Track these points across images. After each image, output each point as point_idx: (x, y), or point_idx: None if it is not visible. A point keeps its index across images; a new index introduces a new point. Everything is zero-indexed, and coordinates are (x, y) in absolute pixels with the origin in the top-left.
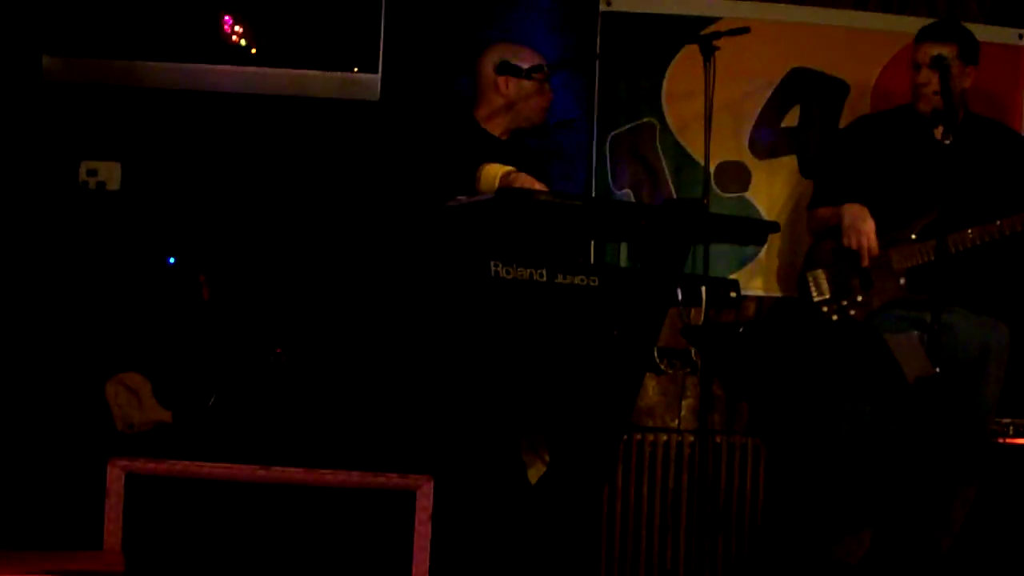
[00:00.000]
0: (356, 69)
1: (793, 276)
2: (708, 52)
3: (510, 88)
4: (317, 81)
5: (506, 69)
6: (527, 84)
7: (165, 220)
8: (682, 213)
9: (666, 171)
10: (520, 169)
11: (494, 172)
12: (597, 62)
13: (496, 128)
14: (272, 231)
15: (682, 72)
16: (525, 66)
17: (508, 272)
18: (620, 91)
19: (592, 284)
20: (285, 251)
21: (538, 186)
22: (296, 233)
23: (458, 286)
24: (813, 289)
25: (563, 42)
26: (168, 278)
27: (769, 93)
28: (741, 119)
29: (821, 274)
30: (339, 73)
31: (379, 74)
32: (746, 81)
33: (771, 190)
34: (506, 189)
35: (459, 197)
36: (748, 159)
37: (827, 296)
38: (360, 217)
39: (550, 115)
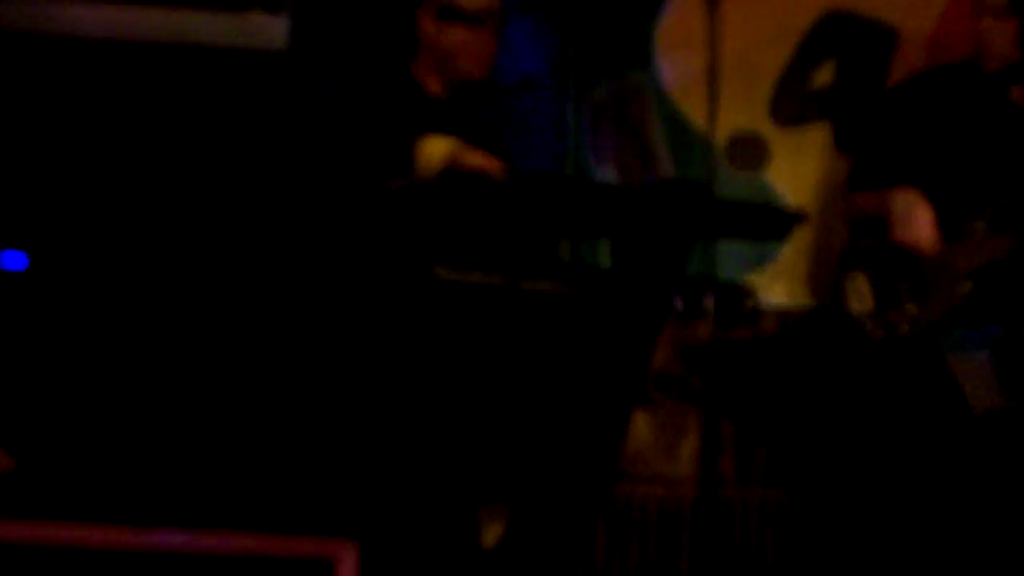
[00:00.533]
0: (257, 9)
1: (826, 280)
2: None
3: (452, 35)
4: (205, 25)
5: (449, 14)
6: (470, 30)
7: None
8: (681, 199)
9: (660, 145)
10: (470, 142)
11: (436, 149)
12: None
13: (434, 84)
14: (149, 222)
15: (680, 15)
16: (471, 7)
17: (457, 276)
18: (600, 41)
19: (564, 291)
20: (165, 249)
21: (494, 166)
22: (181, 225)
23: (392, 294)
24: (852, 297)
25: None
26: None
27: (795, 43)
28: (758, 77)
29: (862, 278)
30: (234, 14)
31: (286, 15)
32: (765, 27)
33: (797, 169)
34: (452, 170)
35: (393, 181)
36: (767, 129)
37: (870, 306)
38: (263, 203)
39: (504, 70)
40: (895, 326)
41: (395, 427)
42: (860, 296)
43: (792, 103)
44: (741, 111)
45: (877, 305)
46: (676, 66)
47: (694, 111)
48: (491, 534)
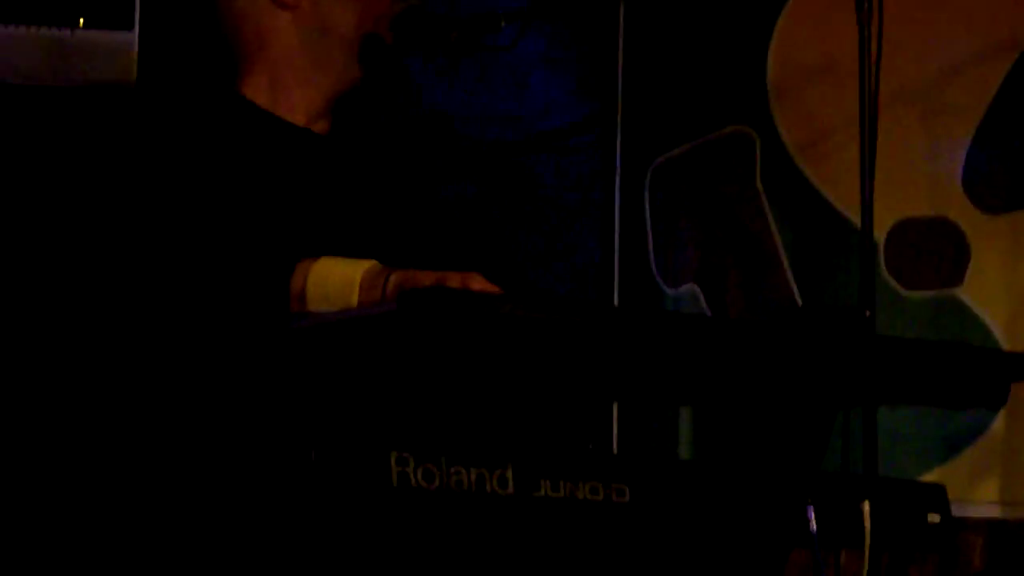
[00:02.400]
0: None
1: None
2: None
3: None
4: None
5: (418, 23)
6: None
7: None
8: (817, 338)
9: (776, 238)
10: (407, 258)
11: (347, 276)
12: (622, 6)
13: (293, 108)
14: None
15: (807, 30)
16: None
17: (431, 478)
18: (671, 67)
19: (619, 499)
20: None
21: (478, 287)
22: None
23: (323, 507)
24: None
25: None
26: None
27: (1003, 75)
28: (940, 127)
29: None
30: (54, 31)
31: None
32: (945, 48)
33: (1015, 280)
34: (418, 291)
35: (305, 316)
36: (960, 213)
37: None
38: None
39: (517, 120)
40: None
41: None
42: None
43: (1001, 173)
44: (915, 184)
45: None
46: (803, 108)
47: (832, 182)
48: None
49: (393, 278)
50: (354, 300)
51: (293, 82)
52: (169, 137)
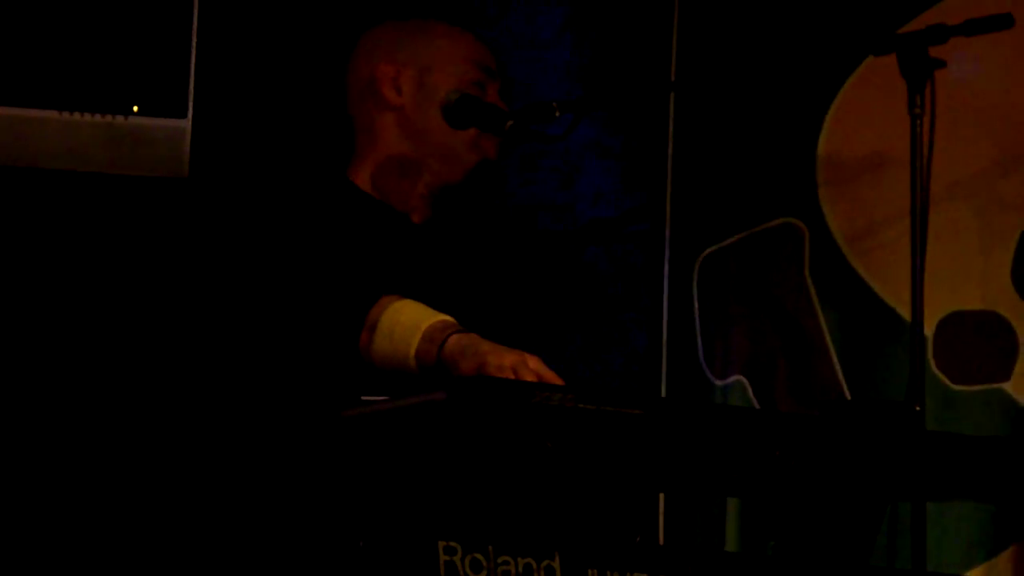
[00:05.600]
0: (136, 110)
1: None
2: (920, 71)
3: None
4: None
5: (472, 111)
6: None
7: None
8: (867, 432)
9: (825, 330)
10: (478, 318)
11: (415, 321)
12: (672, 98)
13: (402, 198)
14: None
15: (858, 122)
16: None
17: (478, 568)
18: (721, 158)
19: None
20: None
21: (548, 374)
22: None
23: None
24: None
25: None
26: None
27: None
28: (991, 221)
29: None
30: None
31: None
32: (998, 142)
33: None
34: (481, 379)
35: (363, 399)
36: (1009, 307)
37: None
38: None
39: (584, 200)
40: None
41: None
42: None
43: None
44: (966, 278)
45: None
46: (853, 200)
47: (881, 276)
48: None
49: (452, 339)
50: (414, 345)
51: (395, 175)
52: (297, 218)
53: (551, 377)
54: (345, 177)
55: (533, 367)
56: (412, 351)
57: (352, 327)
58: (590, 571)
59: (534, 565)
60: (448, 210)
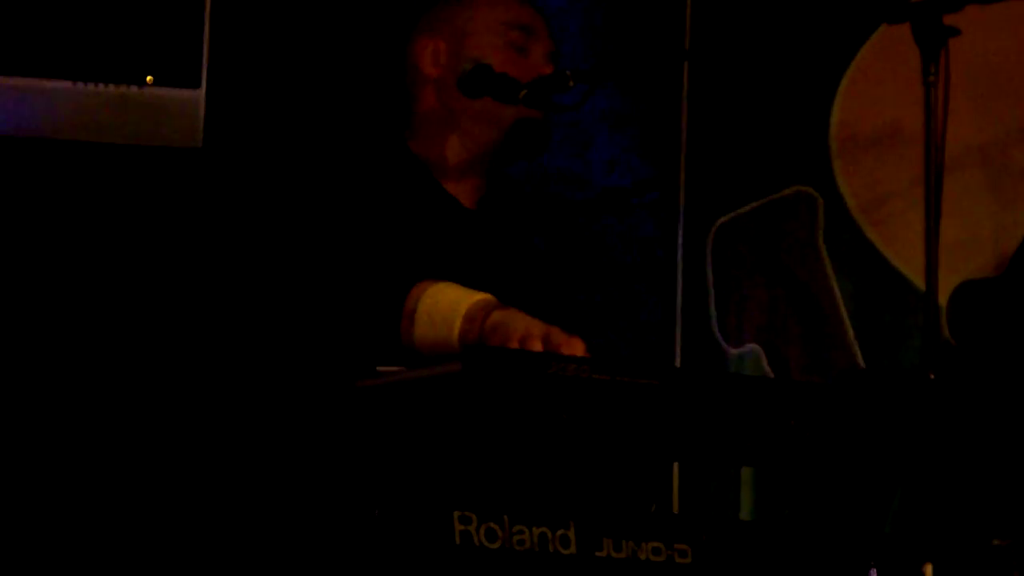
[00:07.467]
0: (150, 80)
1: None
2: (934, 40)
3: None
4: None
5: (484, 82)
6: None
7: None
8: (879, 403)
9: (839, 299)
10: (509, 295)
11: (454, 304)
12: (686, 67)
13: (459, 182)
14: None
15: (871, 91)
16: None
17: (493, 537)
18: (735, 127)
19: (681, 559)
20: None
21: (577, 348)
22: None
23: (386, 565)
24: None
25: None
26: None
27: None
28: (1005, 190)
29: None
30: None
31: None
32: (1011, 111)
33: None
34: (505, 350)
35: (378, 369)
36: None
37: None
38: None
39: (580, 181)
40: None
41: None
42: None
43: None
44: (982, 248)
45: None
46: (867, 169)
47: (896, 245)
48: None
49: (493, 316)
50: (456, 327)
51: (440, 140)
52: (354, 187)
53: (570, 348)
54: (405, 145)
55: (552, 339)
56: (455, 333)
57: (389, 321)
58: (605, 540)
59: (549, 534)
60: (500, 187)
